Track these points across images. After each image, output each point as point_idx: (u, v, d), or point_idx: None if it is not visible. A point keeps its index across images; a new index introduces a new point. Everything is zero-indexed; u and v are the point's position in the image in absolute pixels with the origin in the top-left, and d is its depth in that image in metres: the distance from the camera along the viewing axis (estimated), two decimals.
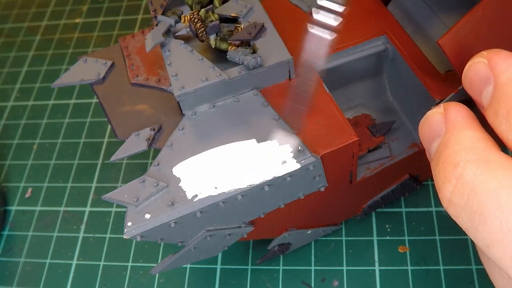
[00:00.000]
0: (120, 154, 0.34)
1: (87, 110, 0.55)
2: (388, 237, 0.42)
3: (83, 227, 0.47)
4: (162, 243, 0.44)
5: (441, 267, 0.40)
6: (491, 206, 0.19)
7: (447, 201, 0.21)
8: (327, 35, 0.25)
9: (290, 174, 0.30)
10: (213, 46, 0.35)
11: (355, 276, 0.40)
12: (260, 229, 0.35)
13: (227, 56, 0.34)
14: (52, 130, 0.55)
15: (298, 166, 0.30)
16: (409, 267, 0.40)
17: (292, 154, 0.30)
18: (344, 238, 0.42)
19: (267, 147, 0.31)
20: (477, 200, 0.20)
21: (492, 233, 0.19)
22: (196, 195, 0.30)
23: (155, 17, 0.37)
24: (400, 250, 0.41)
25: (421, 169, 0.40)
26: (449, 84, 0.33)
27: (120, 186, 0.31)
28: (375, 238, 0.42)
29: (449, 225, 0.40)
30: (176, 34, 0.36)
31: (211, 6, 0.36)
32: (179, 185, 0.30)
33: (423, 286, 0.39)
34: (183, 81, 0.33)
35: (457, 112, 0.23)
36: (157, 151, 0.48)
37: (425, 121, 0.24)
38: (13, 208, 0.50)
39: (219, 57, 0.35)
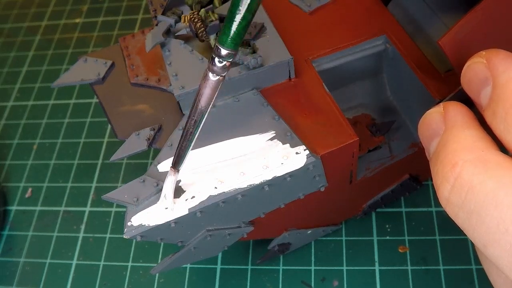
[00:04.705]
0: (120, 154, 0.34)
1: (87, 110, 0.56)
2: (388, 237, 0.42)
3: (83, 227, 0.47)
4: (162, 243, 0.44)
5: (441, 267, 0.40)
6: (489, 205, 0.19)
7: (445, 200, 0.21)
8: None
9: (290, 174, 0.30)
10: (213, 46, 0.35)
11: (355, 276, 0.40)
12: (260, 229, 0.35)
13: None
14: (52, 130, 0.55)
15: (298, 166, 0.30)
16: (409, 267, 0.40)
17: (292, 154, 0.30)
18: (344, 238, 0.42)
19: (267, 147, 0.31)
20: (474, 199, 0.20)
21: (489, 233, 0.19)
22: (196, 195, 0.30)
23: (155, 17, 0.37)
24: (400, 250, 0.41)
25: (421, 169, 0.40)
26: (449, 84, 0.33)
27: (120, 186, 0.31)
28: (375, 238, 0.42)
29: (449, 225, 0.40)
30: (176, 34, 0.36)
31: (211, 6, 0.36)
32: (179, 185, 0.30)
33: (423, 286, 0.39)
34: (183, 81, 0.33)
35: (456, 111, 0.23)
36: (157, 151, 0.48)
37: (424, 120, 0.24)
38: (13, 208, 0.50)
39: None
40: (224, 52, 0.25)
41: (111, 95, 0.38)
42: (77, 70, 0.39)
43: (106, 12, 0.65)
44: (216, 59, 0.25)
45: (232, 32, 0.24)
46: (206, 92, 0.26)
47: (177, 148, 0.28)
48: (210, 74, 0.26)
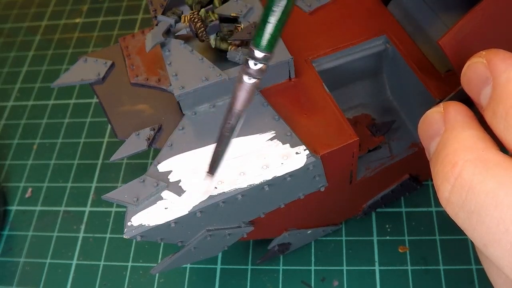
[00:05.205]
0: (120, 154, 0.34)
1: (87, 110, 0.56)
2: (388, 237, 0.42)
3: (83, 227, 0.47)
4: (162, 243, 0.44)
5: (441, 267, 0.40)
6: (489, 205, 0.19)
7: (445, 200, 0.21)
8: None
9: (290, 174, 0.30)
10: (213, 46, 0.35)
11: (355, 276, 0.40)
12: (260, 229, 0.35)
13: (227, 56, 0.34)
14: (52, 130, 0.55)
15: (298, 166, 0.30)
16: (409, 267, 0.40)
17: (292, 154, 0.30)
18: (344, 238, 0.42)
19: (267, 147, 0.31)
20: (474, 199, 0.20)
21: (489, 232, 0.19)
22: (196, 195, 0.30)
23: (155, 17, 0.37)
24: (400, 250, 0.41)
25: (421, 169, 0.40)
26: (449, 84, 0.33)
27: (120, 186, 0.31)
28: (375, 238, 0.42)
29: (449, 225, 0.40)
30: (176, 34, 0.36)
31: (211, 6, 0.36)
32: (179, 185, 0.30)
33: (423, 286, 0.39)
34: (183, 81, 0.33)
35: (456, 111, 0.23)
36: (157, 151, 0.48)
37: (424, 120, 0.24)
38: (13, 208, 0.50)
39: (219, 57, 0.36)
40: (259, 54, 0.24)
41: (111, 95, 0.38)
42: (77, 70, 0.39)
43: (106, 12, 0.65)
44: (251, 62, 0.25)
45: (267, 34, 0.24)
46: (242, 95, 0.25)
47: (213, 153, 0.27)
48: (245, 77, 0.25)
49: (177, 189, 0.30)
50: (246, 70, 0.25)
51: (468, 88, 0.23)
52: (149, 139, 0.34)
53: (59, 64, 0.61)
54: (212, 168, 0.28)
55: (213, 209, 0.30)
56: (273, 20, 0.23)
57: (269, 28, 0.24)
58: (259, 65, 0.25)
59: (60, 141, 0.54)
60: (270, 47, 0.24)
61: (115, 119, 0.37)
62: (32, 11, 0.68)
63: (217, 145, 0.27)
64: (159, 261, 0.43)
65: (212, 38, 0.35)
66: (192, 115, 0.33)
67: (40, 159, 0.53)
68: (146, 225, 0.30)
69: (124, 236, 0.30)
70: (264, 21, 0.24)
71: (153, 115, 0.36)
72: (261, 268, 0.42)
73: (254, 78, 0.25)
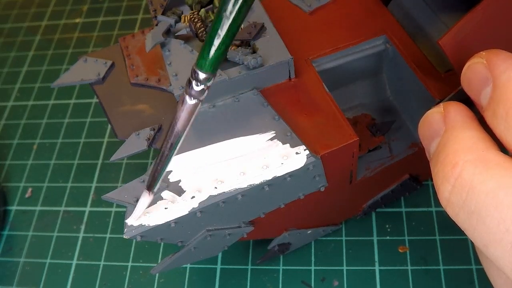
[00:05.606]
0: (120, 154, 0.34)
1: (87, 110, 0.56)
2: (388, 237, 0.42)
3: (83, 227, 0.47)
4: (162, 243, 0.44)
5: (441, 267, 0.40)
6: (489, 205, 0.19)
7: (445, 200, 0.21)
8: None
9: (290, 174, 0.30)
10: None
11: (355, 276, 0.40)
12: (260, 229, 0.35)
13: (227, 56, 0.34)
14: (52, 130, 0.55)
15: (298, 166, 0.30)
16: (409, 267, 0.40)
17: (292, 154, 0.30)
18: (344, 238, 0.42)
19: (267, 147, 0.31)
20: (475, 199, 0.20)
21: (490, 233, 0.19)
22: (196, 195, 0.30)
23: (155, 17, 0.37)
24: (400, 250, 0.41)
25: (421, 169, 0.40)
26: (449, 84, 0.33)
27: (120, 186, 0.31)
28: (375, 238, 0.42)
29: (449, 225, 0.40)
30: (176, 34, 0.36)
31: (211, 6, 0.36)
32: (179, 185, 0.30)
33: (423, 286, 0.39)
34: (183, 81, 0.33)
35: (456, 111, 0.23)
36: (157, 151, 0.48)
37: (424, 121, 0.24)
38: (13, 208, 0.50)
39: None
40: (202, 76, 0.25)
41: (111, 95, 0.38)
42: (77, 70, 0.39)
43: (106, 12, 0.65)
44: (194, 83, 0.25)
45: (210, 56, 0.24)
46: (183, 116, 0.26)
47: (152, 170, 0.28)
48: (187, 98, 0.25)
49: (177, 189, 0.30)
50: (188, 90, 0.25)
51: (468, 89, 0.23)
52: (149, 139, 0.34)
53: (59, 64, 0.61)
54: (151, 185, 0.28)
55: (213, 209, 0.30)
56: (217, 43, 0.23)
57: (213, 50, 0.24)
58: (201, 86, 0.25)
59: (60, 141, 0.54)
60: (213, 69, 0.24)
61: (115, 119, 0.37)
62: (32, 11, 0.68)
63: (157, 163, 0.27)
64: (159, 261, 0.43)
65: None
66: None
67: (40, 159, 0.53)
68: (146, 225, 0.30)
69: (124, 236, 0.30)
70: (208, 43, 0.24)
71: (153, 115, 0.36)
72: (261, 268, 0.42)
73: (195, 98, 0.25)
